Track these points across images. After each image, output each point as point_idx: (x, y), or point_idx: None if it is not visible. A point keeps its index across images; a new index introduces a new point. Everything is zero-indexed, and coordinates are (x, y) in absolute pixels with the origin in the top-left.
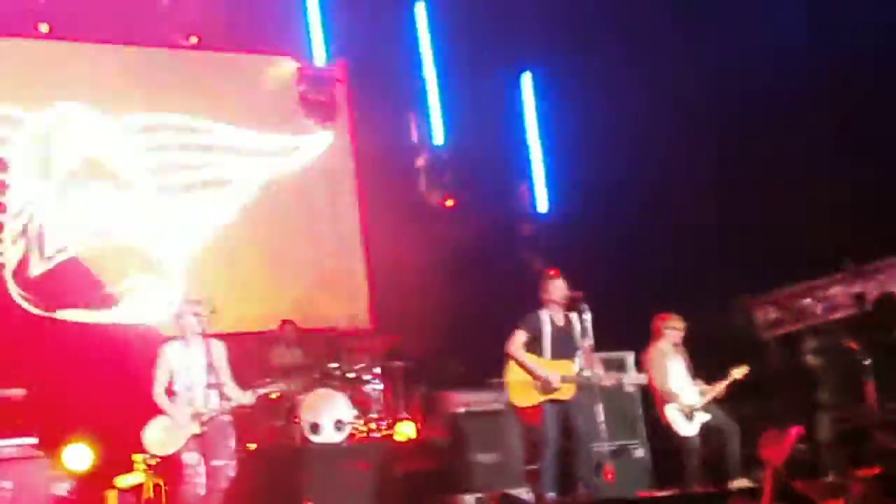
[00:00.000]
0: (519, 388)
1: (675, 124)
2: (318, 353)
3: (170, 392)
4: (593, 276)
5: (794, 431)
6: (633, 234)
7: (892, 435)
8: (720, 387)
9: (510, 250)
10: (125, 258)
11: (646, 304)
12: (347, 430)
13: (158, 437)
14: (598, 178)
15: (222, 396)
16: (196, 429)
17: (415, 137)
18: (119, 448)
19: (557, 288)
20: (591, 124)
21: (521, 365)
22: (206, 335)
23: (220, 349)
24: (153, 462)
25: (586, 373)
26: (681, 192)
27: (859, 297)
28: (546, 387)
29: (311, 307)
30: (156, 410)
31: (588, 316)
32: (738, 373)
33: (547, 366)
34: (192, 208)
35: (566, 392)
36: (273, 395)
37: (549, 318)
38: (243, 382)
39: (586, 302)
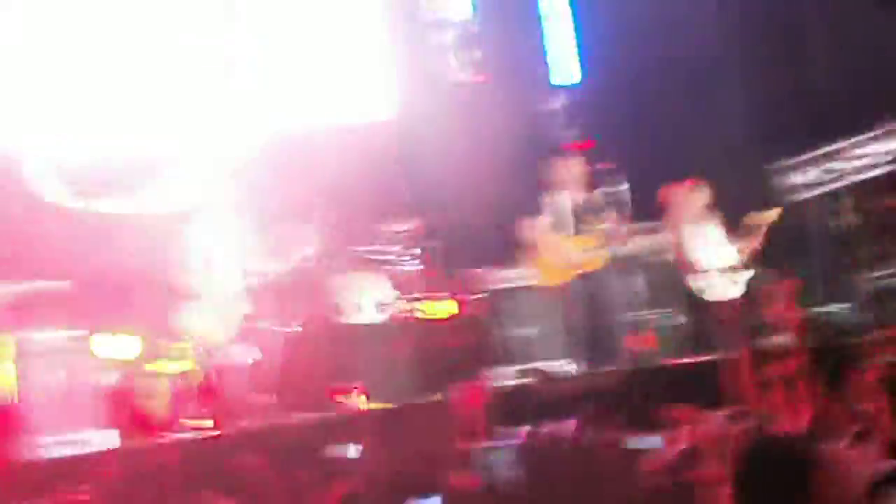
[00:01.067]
0: (547, 268)
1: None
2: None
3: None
4: (627, 147)
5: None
6: (667, 103)
7: None
8: (755, 237)
9: (542, 124)
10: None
11: (681, 174)
12: (389, 310)
13: (206, 322)
14: (631, 51)
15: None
16: (245, 309)
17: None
18: (167, 335)
19: (576, 166)
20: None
21: (546, 248)
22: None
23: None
24: (200, 347)
25: (620, 245)
26: (714, 54)
27: None
28: (574, 262)
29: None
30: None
31: (623, 187)
32: (770, 216)
33: (571, 242)
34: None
35: (595, 262)
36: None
37: (568, 199)
38: None
39: (620, 173)
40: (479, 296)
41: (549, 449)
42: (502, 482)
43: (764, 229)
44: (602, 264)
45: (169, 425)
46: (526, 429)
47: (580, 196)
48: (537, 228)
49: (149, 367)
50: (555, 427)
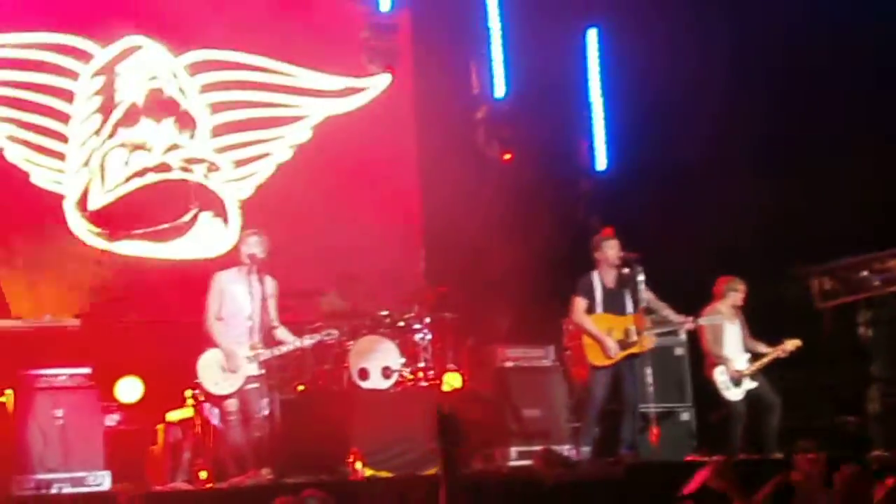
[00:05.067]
0: (594, 348)
1: (737, 88)
2: (369, 300)
3: (219, 318)
4: (649, 237)
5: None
6: (692, 198)
7: None
8: (771, 356)
9: (567, 207)
10: (185, 194)
11: (701, 269)
12: (395, 377)
13: (214, 375)
14: (659, 139)
15: (272, 338)
16: (254, 370)
17: (476, 89)
18: (171, 382)
19: (611, 248)
20: (653, 83)
21: (588, 333)
22: (261, 268)
23: (272, 285)
24: (202, 398)
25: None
26: (741, 156)
27: None
28: (622, 343)
29: (362, 254)
30: (206, 344)
31: (642, 277)
32: (791, 345)
33: (619, 323)
34: (250, 146)
35: (645, 344)
36: (328, 341)
37: (600, 279)
38: (289, 326)
39: (641, 263)
40: (488, 371)
41: None
42: None
43: (781, 353)
44: (651, 345)
45: (164, 473)
46: None
47: (612, 280)
48: (576, 312)
49: (150, 412)
50: None
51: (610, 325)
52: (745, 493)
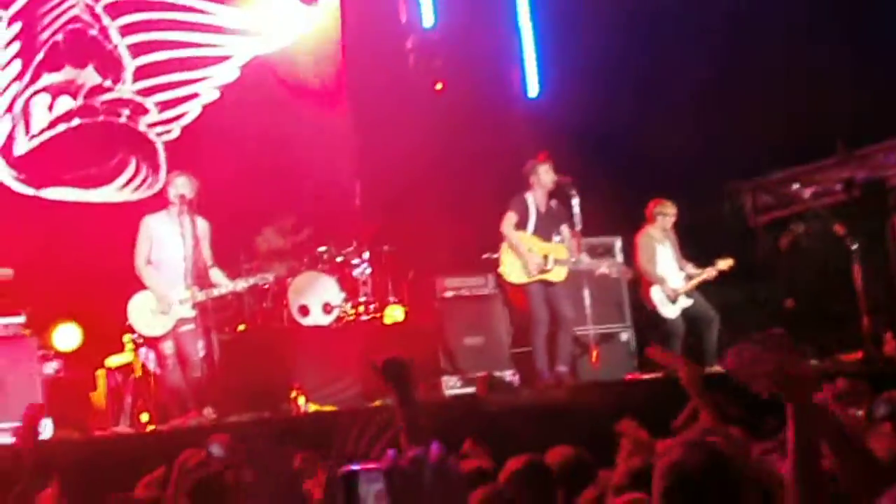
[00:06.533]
0: (512, 265)
1: (671, 5)
2: (306, 237)
3: (149, 262)
4: (582, 161)
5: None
6: (623, 120)
7: (876, 320)
8: (705, 275)
9: (500, 134)
10: (111, 137)
11: (635, 190)
12: (336, 312)
13: (145, 317)
14: (589, 62)
15: (207, 280)
16: (186, 312)
17: (404, 19)
18: (108, 327)
19: (545, 172)
20: (583, 6)
21: (514, 247)
22: (192, 209)
23: (204, 226)
24: (140, 341)
25: (573, 259)
26: (671, 73)
27: (849, 183)
28: (539, 267)
29: (296, 191)
30: (142, 287)
31: (576, 201)
32: (724, 265)
33: (540, 247)
34: (175, 87)
35: (557, 274)
36: (262, 285)
37: (534, 201)
38: (226, 266)
39: (574, 187)
40: (429, 302)
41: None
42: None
43: (714, 272)
44: (563, 278)
45: (105, 419)
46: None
47: (544, 203)
48: (505, 224)
49: (89, 358)
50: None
51: (532, 246)
52: (711, 403)
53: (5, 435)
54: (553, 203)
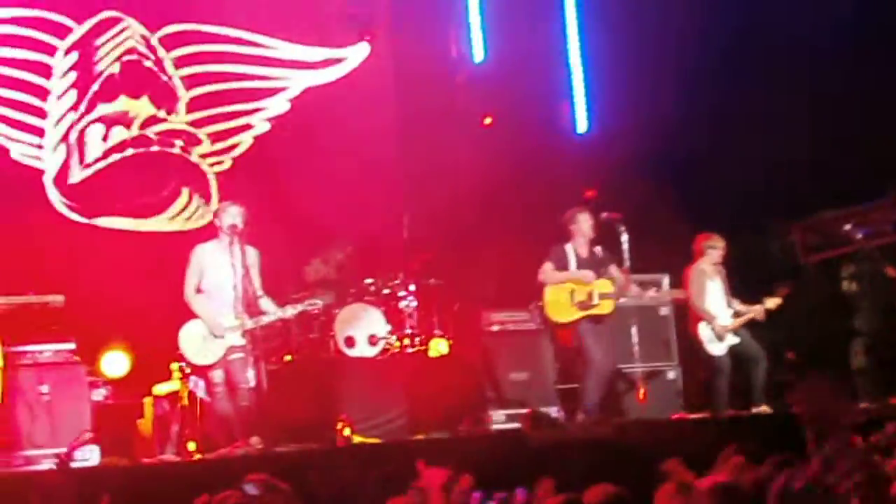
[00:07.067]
0: (556, 305)
1: (720, 45)
2: (354, 268)
3: (199, 290)
4: (632, 197)
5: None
6: (674, 157)
7: None
8: (753, 313)
9: (547, 169)
10: (164, 167)
11: (685, 227)
12: (381, 344)
13: (196, 345)
14: (639, 99)
15: (256, 308)
16: (237, 340)
17: (455, 54)
18: (156, 355)
19: (585, 221)
20: (633, 43)
21: (558, 280)
22: (242, 239)
23: (254, 255)
24: (188, 370)
25: (622, 291)
26: (722, 113)
27: None
28: (584, 304)
29: (345, 223)
30: (191, 316)
31: (625, 237)
32: (772, 303)
33: (583, 287)
34: (228, 119)
35: (605, 307)
36: (312, 311)
37: (573, 250)
38: (275, 295)
39: (624, 224)
40: (474, 336)
41: None
42: None
43: (763, 310)
44: (612, 308)
45: (153, 446)
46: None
47: (586, 251)
48: (545, 273)
49: (137, 385)
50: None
51: (574, 287)
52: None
53: (54, 460)
54: (597, 249)
